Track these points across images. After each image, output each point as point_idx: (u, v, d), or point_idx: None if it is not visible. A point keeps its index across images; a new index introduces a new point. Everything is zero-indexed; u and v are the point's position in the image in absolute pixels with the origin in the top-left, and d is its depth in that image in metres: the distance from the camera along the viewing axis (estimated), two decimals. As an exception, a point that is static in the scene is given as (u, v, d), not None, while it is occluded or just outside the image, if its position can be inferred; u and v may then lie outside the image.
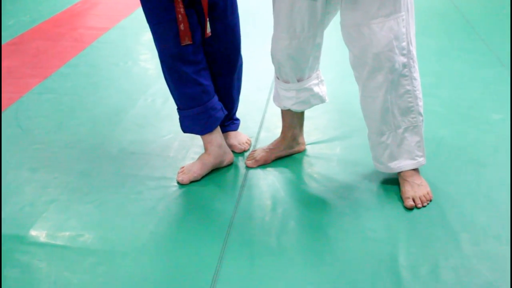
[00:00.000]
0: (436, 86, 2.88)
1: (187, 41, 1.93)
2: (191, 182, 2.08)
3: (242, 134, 2.33)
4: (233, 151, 2.26)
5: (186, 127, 2.12)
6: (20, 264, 1.68)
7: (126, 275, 1.65)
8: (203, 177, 2.11)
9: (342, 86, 2.85)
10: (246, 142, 2.30)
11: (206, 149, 2.12)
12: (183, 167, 2.12)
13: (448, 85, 2.92)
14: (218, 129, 2.13)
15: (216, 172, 2.16)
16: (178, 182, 2.08)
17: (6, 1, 4.72)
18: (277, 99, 2.16)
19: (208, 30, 1.98)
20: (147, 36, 3.67)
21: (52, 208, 1.94)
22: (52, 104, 2.74)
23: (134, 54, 3.42)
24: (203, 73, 2.03)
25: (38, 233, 1.81)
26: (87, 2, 4.59)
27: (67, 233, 1.81)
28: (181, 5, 1.88)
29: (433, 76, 3.01)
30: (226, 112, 2.15)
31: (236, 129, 2.32)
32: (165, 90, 2.86)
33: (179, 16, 1.90)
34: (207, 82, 2.04)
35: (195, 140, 2.37)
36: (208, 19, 1.98)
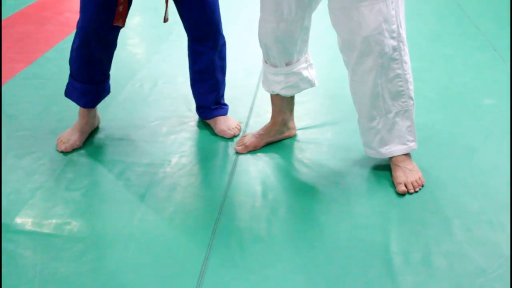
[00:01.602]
0: (428, 71, 2.86)
1: (120, 23, 1.99)
2: (74, 149, 2.16)
3: (232, 119, 2.30)
4: (222, 137, 2.23)
5: (72, 96, 2.21)
6: (5, 252, 1.64)
7: (114, 263, 1.62)
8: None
9: (333, 70, 2.81)
10: (236, 127, 2.27)
11: (82, 116, 2.21)
12: (60, 138, 2.19)
13: (439, 69, 2.90)
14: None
15: (205, 158, 2.13)
16: (62, 152, 2.14)
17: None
18: (265, 83, 2.13)
19: (167, 16, 2.03)
20: (135, 20, 3.62)
21: (38, 195, 1.90)
22: (37, 90, 2.68)
23: (121, 38, 3.32)
24: (110, 56, 2.15)
25: (23, 221, 1.78)
26: (74, -15, 4.51)
27: (54, 221, 1.78)
28: None
29: (425, 60, 2.99)
30: (109, 92, 2.25)
31: (225, 113, 2.30)
32: (153, 76, 2.83)
33: None
34: (108, 64, 2.17)
35: (184, 125, 2.33)
36: (167, 6, 1.98)
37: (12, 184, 1.96)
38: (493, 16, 3.69)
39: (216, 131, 2.25)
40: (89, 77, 2.14)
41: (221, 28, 2.16)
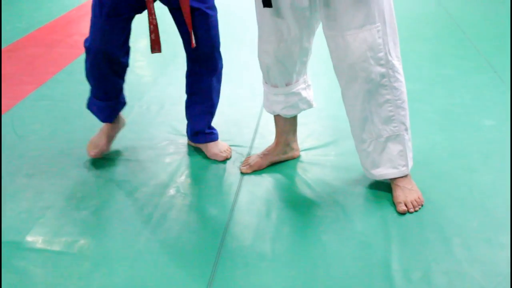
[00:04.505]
0: (428, 92, 2.91)
1: (157, 50, 2.05)
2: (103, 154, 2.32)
3: (222, 142, 2.35)
4: (215, 160, 2.29)
5: (92, 109, 2.33)
6: (17, 270, 1.69)
7: (122, 280, 1.66)
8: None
9: (336, 92, 2.84)
10: (227, 150, 2.32)
11: (103, 132, 2.34)
12: (89, 144, 2.32)
13: (440, 91, 2.95)
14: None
15: (211, 178, 2.18)
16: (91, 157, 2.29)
17: (2, 8, 4.73)
18: (267, 104, 2.19)
19: (194, 41, 2.06)
20: (143, 43, 3.70)
21: (48, 214, 1.95)
22: (47, 111, 2.75)
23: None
24: (122, 74, 2.22)
25: (34, 239, 1.83)
26: (82, 8, 4.61)
27: (63, 239, 1.83)
28: (154, 16, 1.99)
29: (425, 82, 3.05)
30: (126, 103, 2.34)
31: (216, 138, 2.33)
32: (160, 98, 2.89)
33: (151, 26, 2.00)
34: (122, 80, 2.25)
35: (190, 147, 2.39)
36: (192, 30, 2.04)
37: (23, 203, 2.02)
38: (493, 38, 3.76)
39: (209, 155, 2.30)
40: (104, 94, 2.24)
41: (220, 52, 2.21)
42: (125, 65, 2.20)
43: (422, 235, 1.83)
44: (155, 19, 2.00)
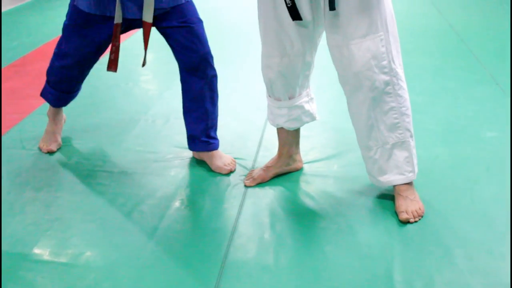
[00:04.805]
0: (431, 105, 2.94)
1: (113, 69, 2.20)
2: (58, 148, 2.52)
3: (226, 156, 2.38)
4: (220, 173, 2.32)
5: (47, 97, 2.51)
6: (24, 281, 1.72)
7: (128, 292, 1.69)
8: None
9: (339, 105, 2.89)
10: (231, 163, 2.35)
11: (53, 119, 2.56)
12: (41, 144, 2.53)
13: (442, 103, 2.98)
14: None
15: (215, 191, 2.21)
16: (48, 152, 2.50)
17: (10, 23, 4.80)
18: (270, 117, 2.22)
19: (145, 61, 2.23)
20: (148, 57, 3.74)
21: (55, 227, 1.98)
22: (54, 125, 2.79)
23: (135, 75, 3.49)
24: (85, 75, 2.42)
25: (41, 251, 1.86)
26: (89, 24, 4.67)
27: (70, 251, 1.85)
28: (118, 39, 2.13)
29: (428, 94, 3.07)
30: (79, 91, 2.55)
31: (216, 148, 2.36)
32: (165, 111, 2.93)
33: (113, 47, 2.15)
34: (83, 78, 2.44)
35: (195, 160, 2.42)
36: (146, 52, 2.19)
37: (31, 215, 2.05)
38: (496, 51, 3.78)
39: (213, 167, 2.33)
40: (66, 88, 2.45)
41: (211, 60, 2.26)
42: (93, 66, 2.39)
43: (424, 246, 1.85)
44: (118, 42, 2.14)
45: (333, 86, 3.10)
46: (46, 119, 2.87)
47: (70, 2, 2.20)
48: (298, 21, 1.88)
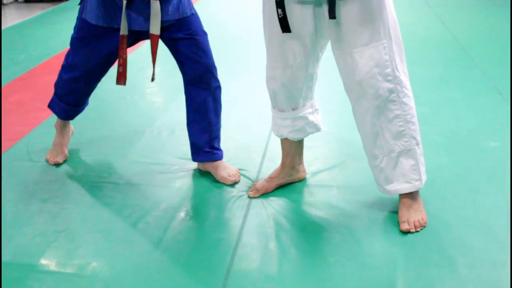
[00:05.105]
0: (434, 115, 2.96)
1: (122, 83, 2.21)
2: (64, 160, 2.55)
3: (231, 167, 2.40)
4: (224, 184, 2.35)
5: (55, 109, 2.53)
6: (31, 292, 1.74)
7: (133, 302, 1.71)
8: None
9: (342, 115, 2.93)
10: (236, 174, 2.37)
11: (60, 131, 2.59)
12: (49, 156, 2.55)
13: (446, 113, 3.00)
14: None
15: (220, 202, 2.23)
16: (54, 164, 2.52)
17: (17, 36, 4.87)
18: (275, 128, 2.24)
19: (154, 74, 2.24)
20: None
21: (62, 238, 2.01)
22: (61, 137, 2.82)
23: (140, 87, 3.52)
24: (93, 88, 2.45)
25: (48, 262, 1.88)
26: (95, 37, 4.72)
27: (77, 261, 1.88)
28: (125, 51, 2.15)
29: (432, 105, 3.09)
30: (87, 104, 2.58)
31: (220, 158, 2.39)
32: (170, 123, 2.96)
33: (120, 60, 2.16)
34: (91, 91, 2.47)
35: (200, 171, 2.44)
36: (155, 65, 2.21)
37: (38, 226, 2.07)
38: (499, 61, 3.80)
39: (217, 178, 2.35)
40: (73, 101, 2.47)
41: (215, 72, 2.29)
42: (101, 79, 2.42)
43: (427, 255, 1.86)
44: (125, 54, 2.16)
45: (336, 97, 3.13)
46: (53, 132, 2.91)
47: (78, 15, 2.24)
48: (300, 34, 1.89)
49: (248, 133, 2.82)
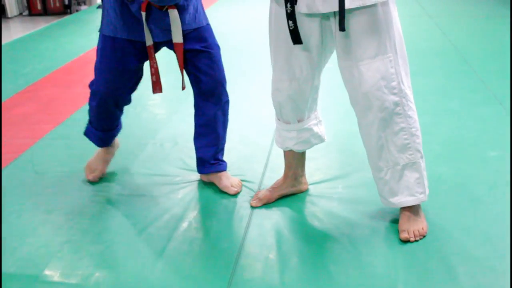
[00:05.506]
0: (435, 125, 2.97)
1: (158, 91, 2.23)
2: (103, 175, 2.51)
3: (233, 178, 2.43)
4: (226, 195, 2.37)
5: (90, 137, 2.51)
6: (35, 302, 1.76)
7: (136, 312, 1.72)
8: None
9: (344, 127, 2.95)
10: (238, 185, 2.40)
11: (100, 153, 2.54)
12: (87, 168, 2.52)
13: (446, 123, 3.01)
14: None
15: (222, 212, 2.25)
16: (90, 180, 2.48)
17: (22, 49, 4.92)
18: (279, 140, 2.26)
19: (184, 84, 2.23)
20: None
21: (65, 249, 2.03)
22: (65, 149, 2.86)
23: (143, 99, 3.55)
24: (122, 109, 2.43)
25: (52, 272, 1.90)
26: (99, 49, 4.76)
27: (80, 272, 1.89)
28: (154, 60, 2.17)
29: (432, 115, 3.11)
30: (121, 128, 2.54)
31: (224, 169, 2.42)
32: (173, 135, 2.98)
33: (152, 69, 2.19)
34: (121, 113, 2.45)
35: (203, 182, 2.46)
36: (183, 73, 2.21)
37: (42, 237, 2.10)
38: (499, 71, 3.82)
39: (220, 186, 2.38)
40: (106, 127, 2.45)
41: (226, 86, 2.31)
42: (129, 101, 2.41)
43: (428, 264, 1.88)
44: (156, 63, 2.18)
45: (337, 108, 3.16)
46: (57, 144, 2.94)
47: (98, 43, 2.22)
48: (307, 46, 1.92)
49: (250, 144, 2.84)
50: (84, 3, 7.07)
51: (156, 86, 2.24)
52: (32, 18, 6.67)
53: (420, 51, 4.39)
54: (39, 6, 6.76)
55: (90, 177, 2.48)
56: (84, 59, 4.51)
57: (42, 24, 6.16)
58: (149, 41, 2.13)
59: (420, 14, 5.89)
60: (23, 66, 4.37)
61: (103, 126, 2.44)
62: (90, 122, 2.48)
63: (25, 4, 6.81)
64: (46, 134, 3.04)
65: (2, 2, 6.55)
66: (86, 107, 3.40)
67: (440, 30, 5.11)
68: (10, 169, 2.64)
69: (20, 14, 6.84)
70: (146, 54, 2.19)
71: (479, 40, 4.73)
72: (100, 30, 2.20)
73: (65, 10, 6.83)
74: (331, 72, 2.00)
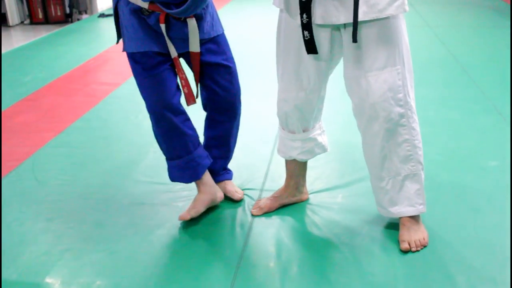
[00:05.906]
0: (435, 135, 2.99)
1: (192, 102, 2.14)
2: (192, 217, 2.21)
3: (236, 186, 2.45)
4: (227, 203, 2.37)
5: (175, 176, 2.26)
6: (36, 310, 1.77)
7: (137, 320, 1.73)
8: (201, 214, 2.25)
9: (344, 136, 2.96)
10: (241, 192, 2.42)
11: (200, 190, 2.26)
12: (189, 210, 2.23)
13: (446, 133, 3.03)
14: (207, 171, 2.27)
15: (223, 220, 2.25)
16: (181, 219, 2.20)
17: (23, 58, 4.93)
18: (282, 150, 2.26)
19: (198, 93, 2.17)
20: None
21: (66, 256, 2.03)
22: (66, 157, 2.86)
23: (144, 108, 3.56)
24: (188, 123, 2.17)
25: (53, 280, 1.90)
26: (99, 58, 4.79)
27: (81, 280, 1.90)
28: (183, 71, 2.08)
29: (432, 125, 3.12)
30: (211, 160, 2.28)
31: (231, 178, 2.43)
32: (174, 142, 2.99)
33: (182, 81, 2.10)
34: (192, 132, 2.19)
35: (203, 190, 2.48)
36: (198, 84, 2.15)
37: (43, 246, 2.10)
38: (498, 81, 3.84)
39: (225, 192, 2.38)
40: (178, 150, 2.18)
41: (240, 100, 2.30)
42: (182, 108, 2.15)
43: (428, 274, 1.88)
44: (184, 73, 2.09)
45: (337, 117, 3.17)
46: (58, 152, 2.95)
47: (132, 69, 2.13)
48: (316, 56, 1.93)
49: (251, 153, 2.85)
50: (86, 12, 7.10)
51: (190, 98, 2.14)
52: (33, 26, 6.70)
53: (420, 61, 4.40)
54: (40, 15, 6.79)
55: (187, 214, 2.21)
56: (85, 68, 4.53)
57: (43, 32, 6.19)
58: (173, 53, 2.07)
59: (420, 24, 5.92)
60: (24, 74, 4.38)
61: (175, 150, 2.18)
62: (166, 158, 2.25)
63: (27, 12, 6.84)
64: (47, 142, 3.05)
65: (3, 11, 6.57)
66: (87, 115, 3.44)
67: (440, 41, 5.14)
68: (11, 177, 2.65)
69: (22, 22, 6.87)
70: (171, 62, 2.10)
71: (478, 51, 4.75)
72: (124, 50, 2.09)
73: (66, 19, 6.86)
74: (330, 82, 2.02)
